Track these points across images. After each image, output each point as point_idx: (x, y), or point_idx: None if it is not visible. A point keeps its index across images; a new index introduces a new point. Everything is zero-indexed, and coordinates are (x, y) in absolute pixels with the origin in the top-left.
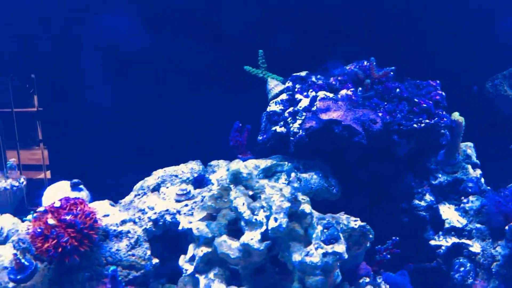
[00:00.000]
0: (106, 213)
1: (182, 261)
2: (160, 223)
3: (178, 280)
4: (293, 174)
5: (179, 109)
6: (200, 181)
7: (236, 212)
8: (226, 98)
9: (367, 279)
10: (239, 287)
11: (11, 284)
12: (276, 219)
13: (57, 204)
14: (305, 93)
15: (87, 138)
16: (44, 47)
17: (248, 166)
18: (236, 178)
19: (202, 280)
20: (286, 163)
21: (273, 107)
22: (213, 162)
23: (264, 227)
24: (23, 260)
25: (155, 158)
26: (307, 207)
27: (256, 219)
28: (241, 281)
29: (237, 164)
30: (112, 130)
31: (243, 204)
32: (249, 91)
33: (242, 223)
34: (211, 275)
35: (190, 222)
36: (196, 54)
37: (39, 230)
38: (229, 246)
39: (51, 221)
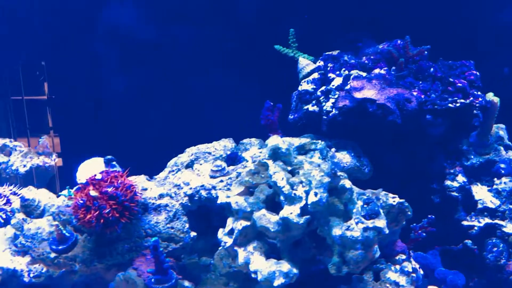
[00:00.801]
0: (144, 187)
1: (221, 234)
2: (196, 198)
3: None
4: (333, 150)
5: (209, 90)
6: (233, 158)
7: (275, 186)
8: (256, 77)
9: (403, 256)
10: (278, 260)
11: (52, 254)
12: (316, 194)
13: (98, 176)
14: (337, 72)
15: (99, 125)
16: (54, 34)
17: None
18: (275, 153)
19: (241, 252)
20: (320, 141)
21: (304, 86)
22: (245, 140)
23: (303, 202)
24: (64, 231)
25: (172, 142)
26: (347, 182)
27: (295, 194)
28: (279, 254)
29: (275, 140)
30: (127, 116)
31: (282, 179)
32: (279, 70)
33: (281, 198)
34: (250, 248)
35: (228, 197)
36: (225, 34)
37: (81, 201)
38: (269, 219)
39: (93, 192)
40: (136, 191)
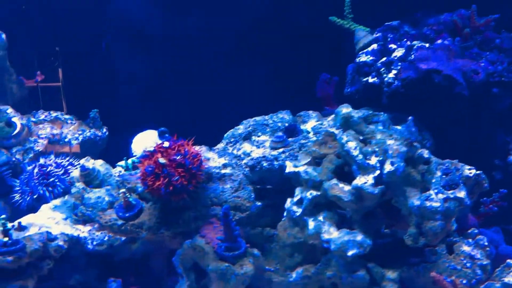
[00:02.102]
0: (207, 156)
1: (289, 204)
2: (257, 169)
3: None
4: (410, 118)
5: (259, 66)
6: (291, 130)
7: (346, 156)
8: (309, 50)
9: (476, 230)
10: (350, 230)
11: (119, 221)
12: (392, 163)
13: (166, 144)
14: (398, 43)
15: (113, 110)
16: (68, 20)
17: None
18: (347, 122)
19: (311, 222)
20: (382, 113)
21: (363, 57)
22: (302, 113)
23: (377, 172)
24: (130, 199)
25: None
26: (425, 152)
27: (368, 163)
28: (351, 225)
29: (346, 109)
30: (142, 102)
31: (356, 147)
32: (331, 43)
33: (354, 167)
34: (320, 217)
35: (296, 166)
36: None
37: (150, 168)
38: (341, 189)
39: (162, 160)
40: (202, 160)
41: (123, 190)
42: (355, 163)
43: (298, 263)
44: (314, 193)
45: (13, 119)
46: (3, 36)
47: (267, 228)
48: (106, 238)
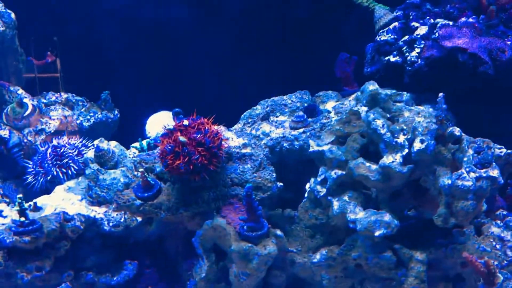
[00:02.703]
0: (225, 136)
1: (312, 184)
2: (277, 149)
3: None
4: (440, 94)
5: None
6: (311, 110)
7: (374, 134)
8: (327, 30)
9: (504, 211)
10: (377, 210)
11: (138, 201)
12: (422, 141)
13: (186, 122)
14: (421, 21)
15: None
16: (66, 10)
17: None
18: (374, 99)
19: (336, 202)
20: (405, 92)
21: (383, 36)
22: (321, 93)
23: (405, 150)
24: (149, 179)
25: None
26: (456, 130)
27: (397, 142)
28: (377, 205)
29: (373, 86)
30: (144, 93)
31: (383, 125)
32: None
33: (382, 146)
34: (345, 197)
35: (319, 145)
36: None
37: (169, 147)
38: (369, 168)
39: (182, 138)
40: (222, 139)
41: (142, 169)
42: (383, 141)
43: (320, 244)
44: (339, 172)
45: (24, 100)
46: (12, 15)
47: (288, 209)
48: (122, 220)
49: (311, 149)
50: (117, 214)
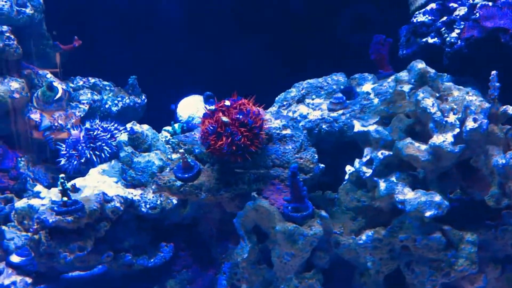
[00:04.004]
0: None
1: (357, 164)
2: (315, 131)
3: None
4: (493, 72)
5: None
6: (348, 93)
7: (423, 113)
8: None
9: None
10: (426, 191)
11: (178, 182)
12: (475, 120)
13: (227, 103)
14: (459, 1)
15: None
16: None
17: None
18: (423, 77)
19: (382, 183)
20: (445, 74)
21: (420, 17)
22: (356, 75)
23: (457, 130)
24: (189, 160)
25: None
26: (510, 108)
27: (447, 121)
28: (425, 185)
29: (422, 64)
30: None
31: (433, 104)
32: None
33: (432, 125)
34: (392, 178)
35: (364, 126)
36: None
37: (211, 128)
38: (418, 148)
39: (225, 118)
40: (263, 119)
41: (182, 150)
42: (433, 120)
43: (362, 226)
44: (386, 152)
45: (54, 84)
46: None
47: (328, 191)
48: (158, 202)
49: (355, 130)
50: (153, 196)
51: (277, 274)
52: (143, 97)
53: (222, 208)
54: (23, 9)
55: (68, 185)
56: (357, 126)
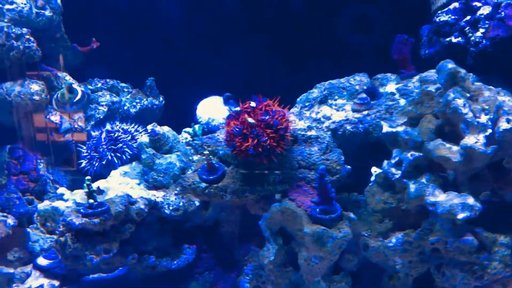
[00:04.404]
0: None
1: (386, 166)
2: (340, 132)
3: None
4: None
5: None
6: (372, 93)
7: (454, 114)
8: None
9: None
10: (458, 192)
11: (203, 184)
12: (508, 120)
13: (253, 104)
14: (483, 0)
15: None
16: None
17: None
18: (453, 78)
19: (412, 185)
20: (471, 74)
21: (443, 17)
22: (379, 75)
23: (489, 130)
24: (214, 161)
25: None
26: None
27: (479, 122)
28: (455, 187)
29: (452, 64)
30: None
31: (464, 105)
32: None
33: (463, 126)
34: (422, 179)
35: (392, 127)
36: None
37: (237, 129)
38: (449, 149)
39: (251, 120)
40: (289, 121)
41: (206, 152)
42: (464, 121)
43: (389, 229)
44: (416, 154)
45: (74, 86)
46: (59, 0)
47: (354, 193)
48: (181, 204)
49: (383, 131)
50: (175, 198)
51: (304, 276)
52: (161, 98)
53: (243, 209)
54: (42, 11)
55: (94, 187)
56: (385, 127)
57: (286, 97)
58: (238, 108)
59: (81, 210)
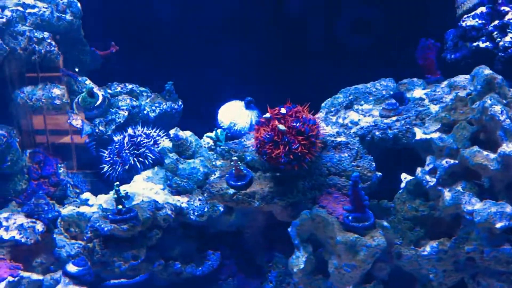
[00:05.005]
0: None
1: (419, 173)
2: (368, 138)
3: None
4: None
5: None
6: (399, 98)
7: (491, 121)
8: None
9: None
10: (495, 201)
11: (231, 190)
12: None
13: (283, 110)
14: (511, 5)
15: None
16: None
17: None
18: (490, 84)
19: (447, 193)
20: (502, 77)
21: (469, 21)
22: (405, 80)
23: None
24: (242, 167)
25: None
26: None
27: None
28: (493, 195)
29: (488, 70)
30: None
31: (502, 112)
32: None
33: (501, 133)
34: (458, 187)
35: (425, 133)
36: None
37: (268, 136)
38: (486, 156)
39: (282, 127)
40: (319, 127)
41: (235, 158)
42: (502, 128)
43: (420, 237)
44: (451, 161)
45: (94, 90)
46: (79, 5)
47: (384, 200)
48: (206, 209)
49: (417, 137)
50: (200, 204)
51: (335, 285)
52: (180, 102)
53: (267, 215)
54: (63, 15)
55: (123, 192)
56: (419, 134)
57: (308, 100)
58: (268, 115)
59: (110, 216)
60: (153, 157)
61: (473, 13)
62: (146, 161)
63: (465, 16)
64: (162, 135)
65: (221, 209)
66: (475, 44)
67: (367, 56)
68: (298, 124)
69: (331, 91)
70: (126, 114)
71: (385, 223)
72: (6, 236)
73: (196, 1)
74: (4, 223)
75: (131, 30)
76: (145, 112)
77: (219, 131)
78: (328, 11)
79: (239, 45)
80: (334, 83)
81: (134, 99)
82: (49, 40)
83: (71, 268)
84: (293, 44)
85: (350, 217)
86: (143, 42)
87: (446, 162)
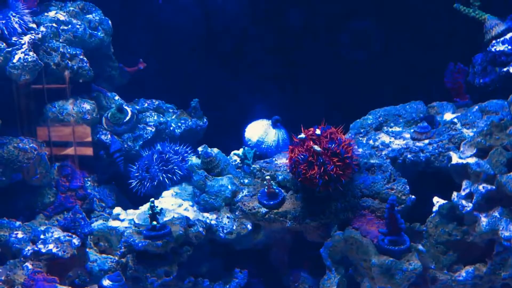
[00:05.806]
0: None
1: (455, 197)
2: (399, 160)
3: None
4: None
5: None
6: (430, 121)
7: None
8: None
9: None
10: None
11: (263, 209)
12: None
13: (318, 131)
14: None
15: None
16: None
17: None
18: None
19: (484, 218)
20: None
21: (499, 47)
22: (434, 103)
23: None
24: (274, 186)
25: None
26: None
27: None
28: None
29: None
30: None
31: None
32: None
33: None
34: (495, 213)
35: (461, 158)
36: None
37: (302, 156)
38: None
39: (317, 148)
40: (354, 149)
41: (268, 177)
42: None
43: (453, 261)
44: (488, 187)
45: (123, 106)
46: (109, 22)
47: (416, 223)
48: (234, 227)
49: (453, 162)
50: (228, 221)
51: None
52: (205, 119)
53: (295, 234)
54: (95, 32)
55: (158, 208)
56: (455, 158)
57: (334, 121)
58: (302, 135)
59: (144, 232)
60: (181, 173)
61: (502, 38)
62: (174, 177)
63: (494, 41)
64: (189, 152)
65: (249, 227)
66: (505, 69)
67: (394, 78)
68: (333, 145)
69: (358, 113)
70: (153, 130)
71: (421, 247)
72: (44, 249)
73: (222, 20)
74: (42, 236)
75: (158, 48)
76: (171, 128)
77: (246, 149)
78: (354, 35)
79: (263, 64)
80: (361, 104)
81: (161, 115)
82: (81, 56)
83: (107, 282)
84: (319, 65)
85: (385, 240)
86: (169, 60)
87: (483, 187)
